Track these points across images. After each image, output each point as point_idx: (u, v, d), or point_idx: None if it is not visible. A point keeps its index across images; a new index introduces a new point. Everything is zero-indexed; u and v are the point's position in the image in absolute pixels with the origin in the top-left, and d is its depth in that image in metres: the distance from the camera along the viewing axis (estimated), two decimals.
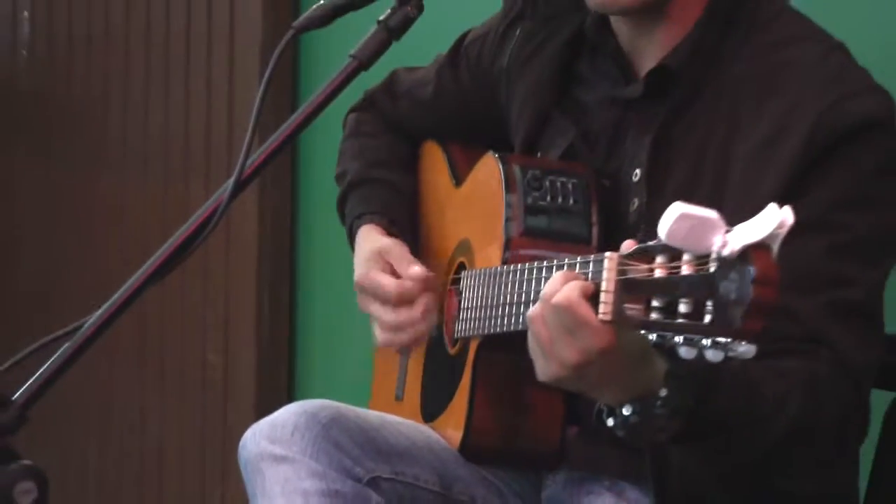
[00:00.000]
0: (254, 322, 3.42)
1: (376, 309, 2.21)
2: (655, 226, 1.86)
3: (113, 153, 3.77)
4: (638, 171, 2.06)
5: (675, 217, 1.45)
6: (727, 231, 1.42)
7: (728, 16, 2.04)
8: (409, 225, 2.36)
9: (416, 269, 2.18)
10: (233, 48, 3.43)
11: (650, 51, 2.07)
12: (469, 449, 2.12)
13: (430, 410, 2.25)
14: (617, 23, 2.10)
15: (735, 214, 1.45)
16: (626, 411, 1.69)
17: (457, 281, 2.23)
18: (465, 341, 2.15)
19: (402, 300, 2.17)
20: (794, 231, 1.44)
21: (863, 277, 1.89)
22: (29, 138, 3.99)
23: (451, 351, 2.21)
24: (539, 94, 2.21)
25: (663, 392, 1.65)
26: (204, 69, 3.52)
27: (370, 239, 2.28)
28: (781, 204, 1.64)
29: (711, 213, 1.44)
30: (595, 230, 2.07)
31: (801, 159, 1.87)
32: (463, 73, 2.35)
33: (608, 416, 1.72)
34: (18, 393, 1.68)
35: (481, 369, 2.08)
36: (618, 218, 2.07)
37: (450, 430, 2.17)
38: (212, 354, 3.50)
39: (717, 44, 2.03)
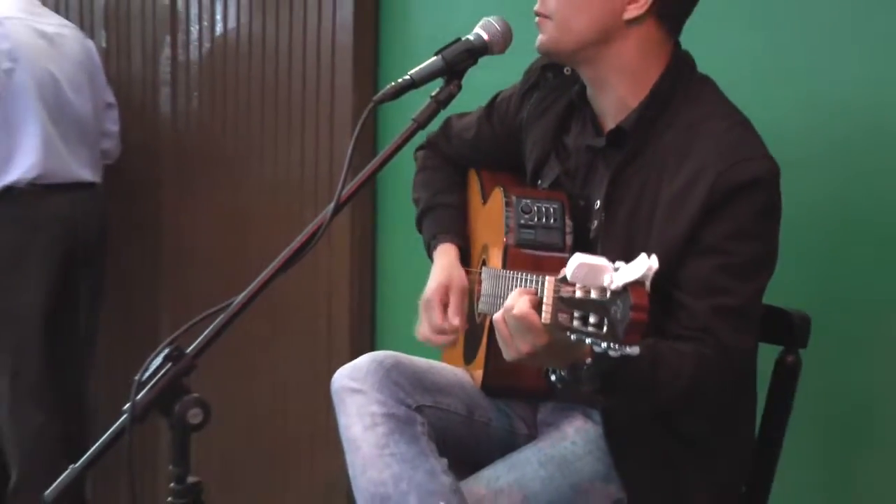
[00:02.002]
0: (348, 300, 3.44)
1: (424, 321, 2.28)
2: (610, 240, 1.96)
3: (254, 184, 3.76)
4: (598, 200, 2.08)
5: (575, 264, 1.53)
6: (615, 270, 1.47)
7: (666, 96, 2.03)
8: (465, 233, 2.36)
9: (455, 323, 2.23)
10: (333, 112, 3.42)
11: (611, 115, 2.08)
12: (487, 387, 2.17)
13: (467, 357, 2.28)
14: (590, 92, 2.11)
15: (659, 239, 1.52)
16: (562, 373, 1.79)
17: (480, 272, 2.24)
18: (484, 315, 2.18)
19: (439, 330, 2.24)
20: (697, 253, 1.51)
21: (742, 288, 1.92)
22: (202, 173, 3.95)
23: (477, 320, 2.24)
24: (542, 141, 2.22)
25: (588, 361, 1.72)
26: (314, 126, 3.51)
27: (444, 261, 2.31)
28: (686, 236, 1.77)
29: (601, 260, 1.52)
30: (568, 240, 2.09)
31: (704, 204, 1.89)
32: (494, 123, 2.35)
33: (551, 374, 1.82)
34: (190, 348, 1.73)
35: (493, 334, 2.09)
36: (584, 232, 2.10)
37: (475, 373, 2.20)
38: (321, 321, 3.51)
39: (657, 115, 2.02)
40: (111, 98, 3.98)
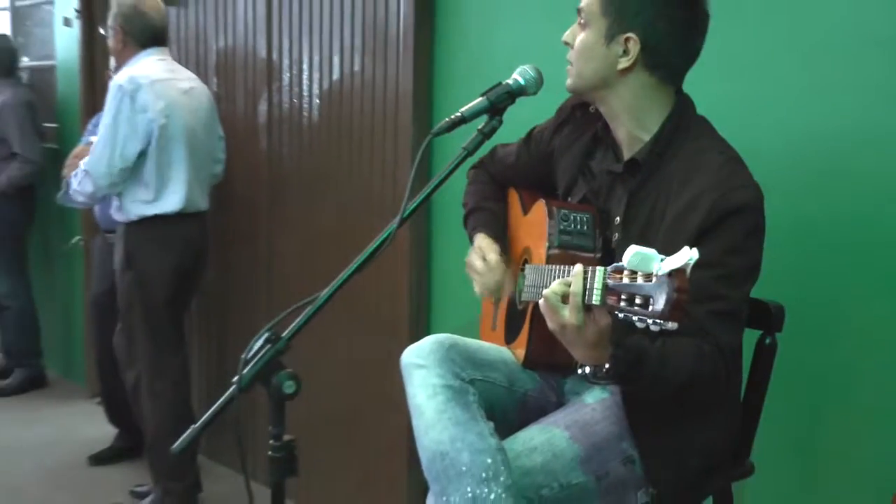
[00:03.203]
0: (407, 293, 3.45)
1: (472, 274, 2.30)
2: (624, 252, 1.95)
3: (332, 202, 3.78)
4: (618, 217, 2.09)
5: (632, 252, 1.56)
6: (661, 260, 1.49)
7: (671, 134, 2.05)
8: (500, 234, 2.36)
9: (491, 257, 2.28)
10: (396, 144, 3.45)
11: (627, 146, 2.11)
12: (527, 362, 2.17)
13: (509, 338, 2.27)
14: (611, 126, 2.13)
15: (664, 250, 1.52)
16: (587, 370, 1.83)
17: (523, 269, 2.23)
18: (526, 303, 2.18)
19: (485, 270, 2.27)
20: (696, 267, 1.51)
21: (734, 294, 1.93)
22: (291, 193, 4.00)
23: (520, 307, 2.23)
24: (572, 166, 2.23)
25: (607, 366, 1.78)
26: (381, 154, 3.54)
27: (479, 243, 2.35)
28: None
29: (652, 251, 1.54)
30: (598, 244, 2.10)
31: (702, 225, 1.90)
32: (532, 151, 2.36)
33: (579, 369, 1.86)
34: (286, 332, 1.75)
35: (534, 318, 2.11)
36: (607, 243, 2.11)
37: (517, 351, 2.20)
38: (386, 310, 3.52)
39: (664, 149, 2.04)
40: (221, 132, 4.04)
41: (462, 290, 2.38)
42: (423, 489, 3.41)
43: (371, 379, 3.60)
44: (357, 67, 3.64)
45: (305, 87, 3.89)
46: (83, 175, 3.63)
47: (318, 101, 3.85)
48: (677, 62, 2.08)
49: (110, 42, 3.87)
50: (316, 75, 3.83)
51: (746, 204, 1.92)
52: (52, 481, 4.35)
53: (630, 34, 2.00)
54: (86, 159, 3.67)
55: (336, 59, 3.72)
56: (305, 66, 3.87)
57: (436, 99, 3.40)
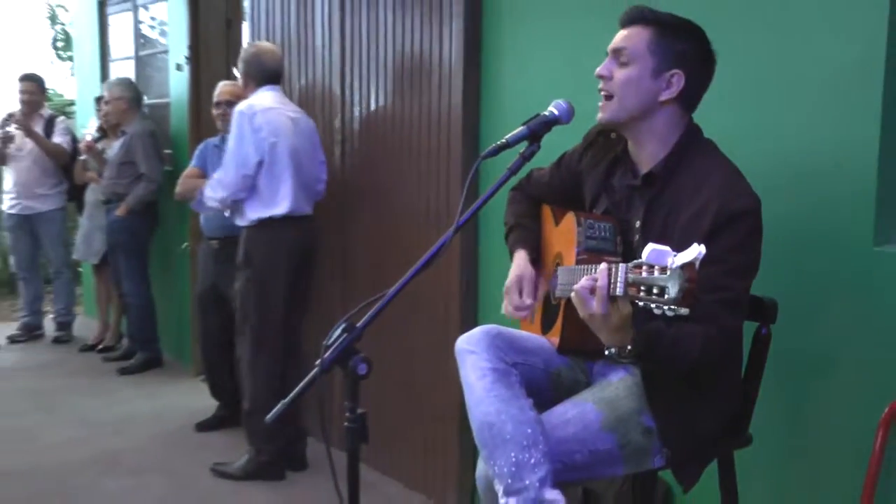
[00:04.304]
0: (458, 290, 3.43)
1: (507, 301, 2.26)
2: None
3: (394, 213, 3.78)
4: (637, 222, 2.07)
5: (650, 249, 1.58)
6: (674, 255, 1.49)
7: (684, 152, 2.03)
8: (535, 246, 2.32)
9: (528, 302, 2.22)
10: (449, 164, 3.45)
11: (645, 163, 2.08)
12: (561, 348, 2.14)
13: (545, 328, 2.24)
14: (631, 148, 2.11)
15: (678, 248, 1.51)
16: (612, 351, 1.83)
17: (555, 271, 2.20)
18: (559, 299, 2.15)
19: (518, 307, 2.23)
20: (705, 262, 1.51)
21: (737, 286, 1.91)
22: (360, 205, 3.99)
23: (553, 303, 2.20)
24: (595, 185, 2.20)
25: (629, 347, 1.79)
26: (436, 173, 3.53)
27: (519, 261, 2.28)
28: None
29: (666, 248, 1.56)
30: (619, 249, 2.08)
31: (710, 227, 1.88)
32: (563, 172, 2.32)
33: (607, 351, 1.85)
34: (360, 322, 1.75)
35: (566, 312, 2.08)
36: (629, 245, 2.08)
37: (552, 339, 2.17)
38: (440, 305, 3.51)
39: (677, 163, 2.02)
40: (323, 157, 4.05)
41: (502, 288, 2.35)
42: (471, 453, 3.45)
43: (427, 362, 3.59)
44: (415, 100, 3.63)
45: (372, 116, 3.90)
46: (216, 183, 3.76)
47: (382, 127, 3.85)
48: (700, 95, 2.07)
49: (239, 80, 4.01)
50: (381, 106, 3.83)
51: (747, 209, 1.90)
52: (167, 443, 4.40)
53: (676, 70, 1.99)
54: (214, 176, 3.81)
55: (398, 93, 3.72)
56: (372, 99, 3.87)
57: (482, 126, 3.39)
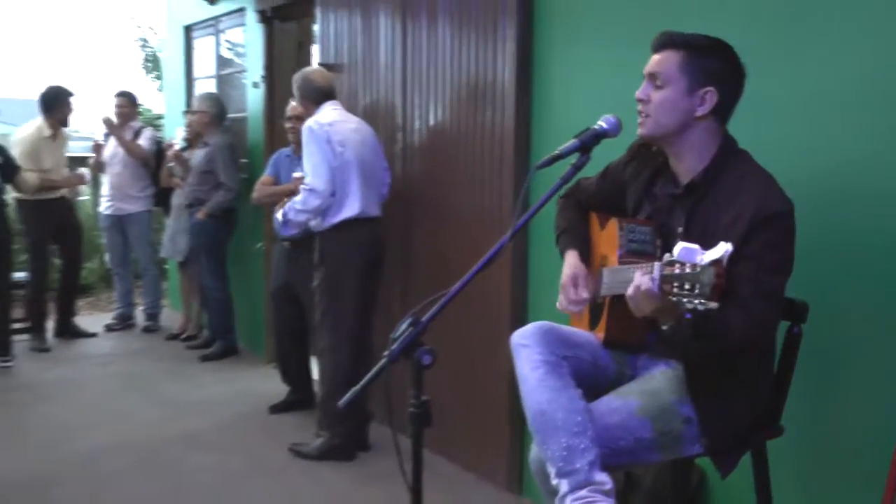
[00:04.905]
0: (509, 288, 3.41)
1: (563, 297, 2.21)
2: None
3: (453, 218, 3.77)
4: (679, 228, 2.04)
5: (681, 248, 1.60)
6: (703, 254, 1.48)
7: (721, 162, 2.00)
8: (584, 249, 2.29)
9: (584, 295, 2.18)
10: (501, 174, 3.43)
11: (684, 174, 2.06)
12: (607, 343, 2.12)
13: (592, 324, 2.22)
14: (671, 160, 2.09)
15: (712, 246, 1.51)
16: (668, 327, 1.81)
17: (600, 271, 2.17)
18: (604, 297, 2.13)
19: (573, 301, 2.18)
20: (744, 258, 1.52)
21: (773, 280, 1.87)
22: (419, 210, 3.98)
23: (599, 301, 2.18)
24: (638, 193, 2.18)
25: (687, 317, 1.71)
26: (490, 182, 3.51)
27: (571, 260, 2.25)
28: (737, 248, 1.78)
29: (696, 246, 1.58)
30: (657, 251, 2.05)
31: (746, 229, 1.86)
32: (608, 181, 2.29)
33: (664, 326, 1.82)
34: (425, 317, 1.75)
35: (612, 308, 2.07)
36: (669, 249, 2.04)
37: (599, 334, 2.15)
38: (493, 302, 3.49)
39: (715, 173, 2.00)
40: (385, 164, 4.06)
41: (551, 288, 2.34)
42: (518, 437, 3.44)
43: (480, 354, 3.57)
44: (471, 115, 3.62)
45: (431, 130, 3.90)
46: (308, 195, 3.73)
47: (439, 140, 3.85)
48: (733, 107, 2.04)
49: (298, 103, 4.04)
50: (439, 121, 3.83)
51: (781, 212, 1.88)
52: (243, 423, 4.44)
53: (709, 88, 1.97)
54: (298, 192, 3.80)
55: (455, 109, 3.72)
56: (431, 114, 3.87)
57: (533, 139, 3.37)
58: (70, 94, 5.93)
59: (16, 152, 5.71)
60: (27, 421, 4.46)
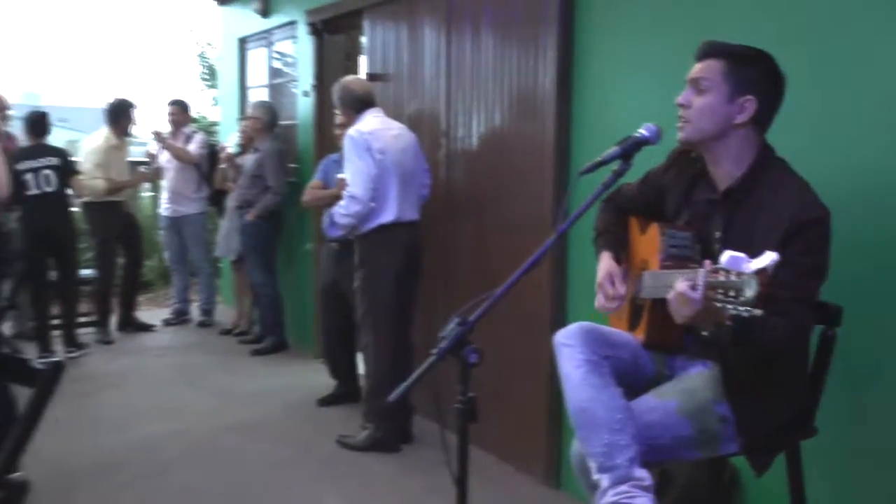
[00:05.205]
0: (548, 290, 3.39)
1: (601, 295, 2.20)
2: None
3: (494, 221, 3.76)
4: (718, 233, 2.02)
5: (728, 256, 1.56)
6: (749, 262, 1.46)
7: (759, 169, 1.98)
8: (620, 252, 2.27)
9: (621, 291, 2.17)
10: (542, 180, 3.41)
11: (723, 180, 2.03)
12: (647, 344, 2.10)
13: (631, 325, 2.20)
14: (709, 167, 2.06)
15: (756, 254, 1.48)
16: (708, 332, 1.81)
17: (641, 275, 2.15)
18: (645, 300, 2.11)
19: (610, 298, 2.17)
20: (780, 264, 1.47)
21: (809, 285, 1.87)
22: (463, 213, 3.97)
23: (639, 303, 2.16)
24: (677, 198, 2.16)
25: (728, 323, 1.70)
26: (530, 188, 3.49)
27: (606, 261, 2.25)
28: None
29: (742, 255, 1.56)
30: (697, 256, 2.02)
31: (783, 235, 1.84)
32: (648, 186, 2.27)
33: (703, 332, 1.82)
34: (471, 317, 1.75)
35: (652, 310, 2.05)
36: (710, 253, 2.02)
37: (639, 335, 2.13)
38: (533, 302, 3.46)
39: (753, 180, 1.98)
40: (426, 165, 4.06)
41: (589, 288, 2.32)
42: (555, 430, 3.42)
43: (519, 352, 3.55)
44: (513, 123, 3.62)
45: (473, 137, 3.89)
46: (350, 201, 3.75)
47: (482, 147, 3.85)
48: (773, 116, 2.01)
49: (339, 111, 4.05)
50: (482, 128, 3.83)
51: (818, 218, 1.86)
52: (293, 415, 4.47)
53: (748, 96, 1.95)
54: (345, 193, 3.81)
55: (497, 117, 3.71)
56: (474, 122, 3.87)
57: (572, 147, 3.35)
58: (133, 106, 6.07)
59: (86, 160, 5.87)
60: (93, 408, 4.53)
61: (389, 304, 3.85)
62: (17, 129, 6.21)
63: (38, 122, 5.43)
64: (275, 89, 6.32)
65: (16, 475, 2.16)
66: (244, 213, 5.60)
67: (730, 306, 1.54)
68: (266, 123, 5.60)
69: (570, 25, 3.30)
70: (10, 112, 6.27)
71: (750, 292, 1.49)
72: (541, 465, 3.51)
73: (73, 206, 5.57)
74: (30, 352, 5.30)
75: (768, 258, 1.51)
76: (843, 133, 2.31)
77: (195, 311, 6.75)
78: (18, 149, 5.53)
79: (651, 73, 2.97)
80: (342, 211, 3.79)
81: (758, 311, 1.51)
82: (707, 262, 1.66)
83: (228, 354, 5.74)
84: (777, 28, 2.48)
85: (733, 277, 1.53)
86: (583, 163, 3.21)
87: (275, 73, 6.35)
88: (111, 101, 6.03)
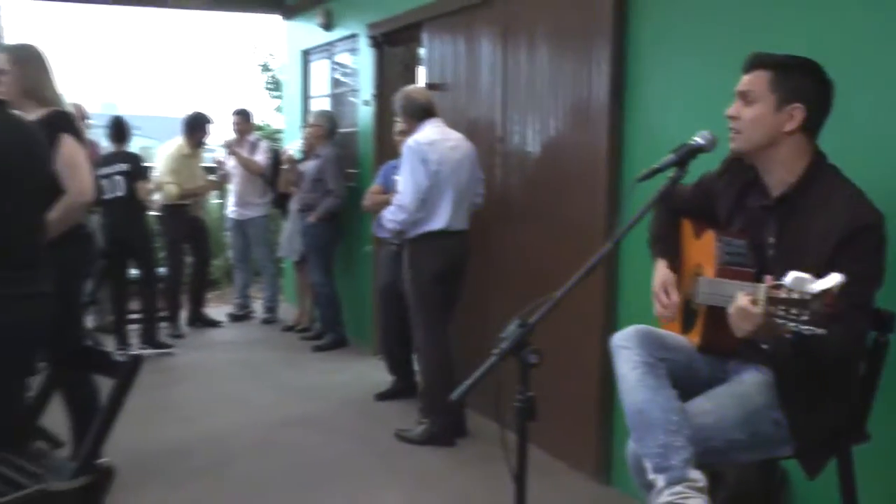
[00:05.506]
0: (600, 292, 3.35)
1: (657, 303, 2.17)
2: (780, 262, 1.86)
3: (547, 228, 3.74)
4: (771, 238, 1.99)
5: (794, 276, 1.53)
6: (814, 282, 1.43)
7: (812, 176, 1.94)
8: (675, 256, 2.25)
9: (675, 300, 2.13)
10: (595, 185, 3.38)
11: (775, 187, 2.00)
12: (701, 348, 2.08)
13: (685, 329, 2.17)
14: (761, 173, 2.03)
15: (813, 263, 1.45)
16: (767, 345, 1.80)
17: (696, 280, 2.12)
18: (699, 305, 2.08)
19: (666, 306, 2.14)
20: (837, 270, 1.44)
21: (865, 291, 1.82)
22: (517, 219, 3.96)
23: (693, 307, 2.13)
24: (730, 204, 2.13)
25: (789, 336, 1.67)
26: (582, 192, 3.46)
27: (661, 270, 2.21)
28: (828, 260, 1.73)
29: (807, 275, 1.52)
30: (754, 262, 1.99)
31: (837, 242, 1.80)
32: (702, 191, 2.23)
33: (763, 345, 1.80)
34: (532, 319, 1.74)
35: (708, 316, 2.03)
36: (763, 259, 1.99)
37: (693, 339, 2.11)
38: (584, 306, 3.42)
39: (806, 187, 1.94)
40: (481, 175, 4.06)
41: (640, 291, 2.29)
42: (606, 428, 3.39)
43: (572, 353, 3.52)
44: (566, 131, 3.60)
45: (528, 145, 3.88)
46: (397, 209, 3.79)
47: (536, 153, 3.83)
48: (822, 122, 1.98)
49: (400, 120, 4.06)
50: (536, 136, 3.81)
51: (872, 224, 1.82)
52: (352, 409, 4.51)
53: (797, 104, 1.92)
54: (395, 197, 3.85)
55: (551, 125, 3.70)
56: (529, 131, 3.86)
57: (624, 154, 3.32)
58: (209, 121, 6.21)
59: (160, 166, 6.03)
60: (165, 399, 4.64)
61: (434, 305, 3.87)
62: (98, 137, 6.39)
63: (119, 128, 5.58)
64: (335, 99, 6.39)
65: (101, 461, 2.21)
66: (306, 216, 5.68)
67: (792, 324, 1.52)
68: (327, 131, 5.67)
69: (623, 38, 3.28)
70: (89, 121, 6.44)
71: (815, 312, 1.46)
72: (591, 462, 3.49)
73: (145, 209, 5.67)
74: (108, 344, 5.44)
75: (833, 280, 1.48)
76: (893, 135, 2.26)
77: (258, 307, 6.85)
78: (100, 156, 5.67)
79: (700, 85, 2.94)
80: (389, 216, 3.83)
81: (820, 331, 1.47)
82: (768, 278, 1.63)
83: (290, 350, 5.81)
84: (825, 38, 2.43)
85: (795, 295, 1.51)
86: (634, 170, 3.22)
87: (336, 83, 6.41)
88: (189, 113, 6.18)
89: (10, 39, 6.39)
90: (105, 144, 5.84)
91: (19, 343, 2.50)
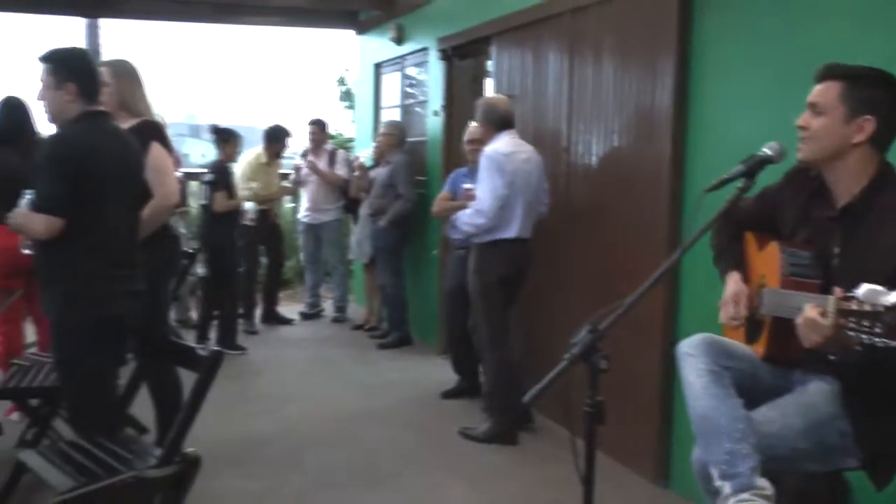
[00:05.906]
0: (661, 300, 3.29)
1: (725, 312, 2.09)
2: (845, 273, 1.78)
3: (610, 234, 3.67)
4: (836, 249, 1.92)
5: (867, 288, 1.47)
6: (888, 294, 1.37)
7: (879, 187, 1.87)
8: (742, 268, 2.16)
9: (743, 314, 2.05)
10: (658, 194, 3.30)
11: (841, 197, 1.93)
12: (767, 358, 2.01)
13: (749, 338, 2.10)
14: (828, 184, 1.96)
15: (880, 272, 1.39)
16: (835, 357, 1.72)
17: (761, 291, 2.05)
18: (764, 315, 2.02)
19: (733, 318, 2.06)
20: None
21: None
22: (581, 225, 3.92)
23: (758, 317, 2.06)
24: (795, 215, 2.05)
25: (859, 348, 1.58)
26: (644, 201, 3.40)
27: (735, 281, 2.11)
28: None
29: (881, 288, 1.45)
30: (819, 273, 1.92)
31: None
32: (765, 203, 2.15)
33: (830, 356, 1.73)
34: (603, 325, 1.71)
35: (773, 327, 1.97)
36: (828, 269, 1.92)
37: (758, 348, 2.04)
38: (644, 314, 3.36)
39: (872, 198, 1.87)
40: (547, 185, 4.04)
41: (700, 299, 2.22)
42: (666, 433, 3.31)
43: (633, 360, 3.44)
44: (630, 141, 3.55)
45: (592, 154, 3.84)
46: (475, 213, 3.80)
47: (600, 162, 3.79)
48: (893, 135, 1.90)
49: (479, 127, 4.03)
50: (601, 145, 3.77)
51: None
52: (417, 405, 4.53)
53: (867, 117, 1.85)
54: (472, 203, 3.85)
55: (615, 136, 3.66)
56: (593, 141, 3.82)
57: (687, 164, 3.26)
58: (289, 135, 6.32)
59: (239, 173, 6.10)
60: (242, 391, 4.73)
61: (498, 309, 3.87)
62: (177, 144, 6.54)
63: (220, 134, 5.70)
64: (405, 109, 6.43)
65: (188, 451, 2.26)
66: (377, 220, 5.74)
67: (864, 336, 1.46)
68: (398, 139, 5.73)
69: (687, 51, 3.22)
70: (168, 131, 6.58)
71: (888, 324, 1.40)
72: (651, 465, 3.42)
73: (226, 216, 5.66)
74: (188, 339, 5.56)
75: None
76: None
77: (328, 307, 6.93)
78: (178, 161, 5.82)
79: (761, 96, 2.87)
80: (466, 219, 3.82)
81: (893, 343, 1.41)
82: (837, 290, 1.57)
83: (359, 347, 5.86)
84: (890, 45, 2.34)
85: (867, 307, 1.45)
86: (696, 181, 3.14)
87: (406, 94, 6.45)
88: (271, 125, 6.30)
89: (107, 55, 6.62)
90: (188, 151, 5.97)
91: (120, 336, 2.61)
